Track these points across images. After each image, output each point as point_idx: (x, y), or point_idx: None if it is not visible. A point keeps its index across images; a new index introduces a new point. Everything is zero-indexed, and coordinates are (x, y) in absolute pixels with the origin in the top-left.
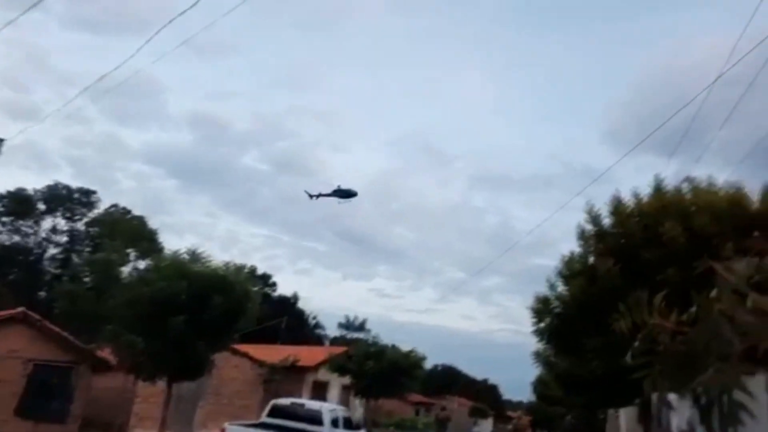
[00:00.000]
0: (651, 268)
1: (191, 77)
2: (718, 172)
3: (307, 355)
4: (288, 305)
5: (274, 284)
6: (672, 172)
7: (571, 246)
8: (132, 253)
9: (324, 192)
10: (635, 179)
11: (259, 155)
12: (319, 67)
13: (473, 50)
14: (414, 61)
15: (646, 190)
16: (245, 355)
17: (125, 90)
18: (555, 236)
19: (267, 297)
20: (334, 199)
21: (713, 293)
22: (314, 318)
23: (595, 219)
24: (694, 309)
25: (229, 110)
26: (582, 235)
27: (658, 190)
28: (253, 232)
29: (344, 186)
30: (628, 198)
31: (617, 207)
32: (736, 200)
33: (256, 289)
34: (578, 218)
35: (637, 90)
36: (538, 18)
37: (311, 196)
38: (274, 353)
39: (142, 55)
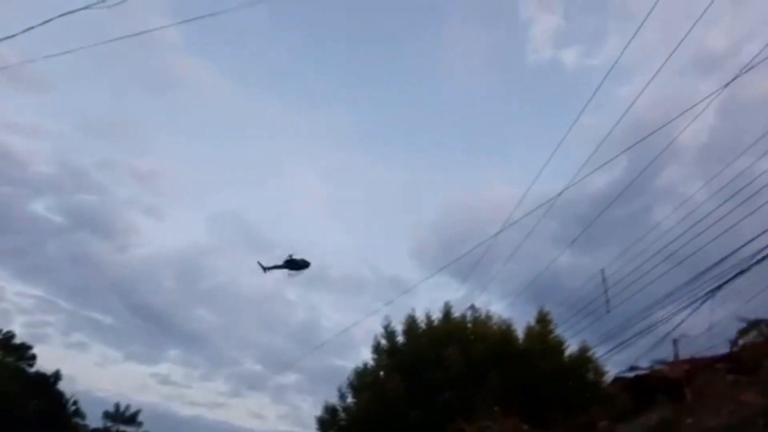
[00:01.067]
0: (433, 388)
1: None
2: (499, 299)
3: None
4: (46, 385)
5: (33, 357)
6: (462, 295)
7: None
8: None
9: (277, 264)
10: (434, 294)
11: (53, 204)
12: (147, 127)
13: (310, 147)
14: (249, 143)
15: (443, 308)
16: None
17: None
18: (357, 339)
19: (20, 372)
20: (285, 271)
21: None
22: (74, 403)
23: (390, 335)
24: None
25: (29, 148)
26: (377, 349)
27: (447, 315)
28: (22, 291)
29: (297, 256)
30: (422, 318)
31: (410, 326)
32: (506, 335)
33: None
34: (380, 325)
35: (442, 216)
36: (373, 137)
37: (265, 269)
38: None
39: None
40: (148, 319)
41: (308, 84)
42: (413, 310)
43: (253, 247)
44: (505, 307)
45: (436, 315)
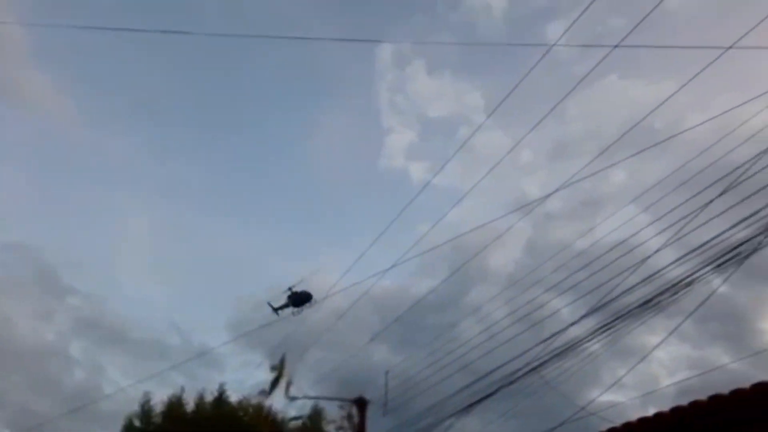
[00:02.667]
0: None
1: None
2: (311, 385)
3: None
4: None
5: None
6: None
7: None
8: None
9: (284, 302)
10: (244, 373)
11: None
12: None
13: (148, 195)
14: (78, 178)
15: (217, 390)
16: None
17: None
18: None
19: None
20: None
21: None
22: None
23: (146, 415)
24: None
25: None
26: (128, 429)
27: (220, 398)
28: None
29: (298, 287)
30: (194, 398)
31: (174, 407)
32: (277, 427)
33: None
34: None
35: (269, 292)
36: (217, 200)
37: (276, 310)
38: None
39: None
40: None
41: (162, 129)
42: (182, 389)
43: (42, 290)
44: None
45: (211, 397)
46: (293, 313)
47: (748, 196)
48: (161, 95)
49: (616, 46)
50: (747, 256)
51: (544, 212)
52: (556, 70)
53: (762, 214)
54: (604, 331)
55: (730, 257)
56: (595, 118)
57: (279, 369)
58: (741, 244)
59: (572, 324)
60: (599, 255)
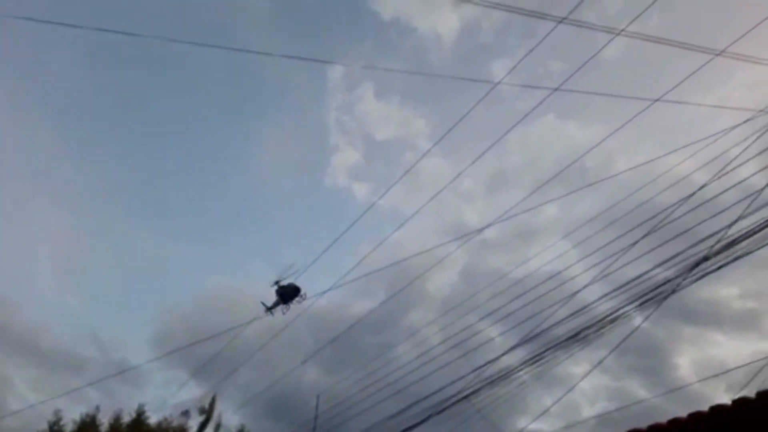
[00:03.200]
0: None
1: None
2: (238, 405)
3: None
4: None
5: None
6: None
7: None
8: None
9: (274, 301)
10: (164, 388)
11: None
12: None
13: (67, 195)
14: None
15: (136, 410)
16: None
17: None
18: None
19: None
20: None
21: None
22: None
23: None
24: None
25: None
26: None
27: (139, 418)
28: None
29: (284, 280)
30: (109, 419)
31: (85, 426)
32: None
33: None
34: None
35: (199, 306)
36: (151, 207)
37: (269, 309)
38: None
39: None
40: None
41: (92, 129)
42: (97, 408)
43: None
44: (242, 416)
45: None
46: (283, 312)
47: (670, 240)
48: (97, 95)
49: (556, 89)
50: (666, 297)
51: (481, 240)
52: (498, 104)
53: (682, 257)
54: (534, 362)
55: (652, 296)
56: (532, 153)
57: (208, 412)
58: (662, 285)
59: (504, 354)
60: (531, 287)
